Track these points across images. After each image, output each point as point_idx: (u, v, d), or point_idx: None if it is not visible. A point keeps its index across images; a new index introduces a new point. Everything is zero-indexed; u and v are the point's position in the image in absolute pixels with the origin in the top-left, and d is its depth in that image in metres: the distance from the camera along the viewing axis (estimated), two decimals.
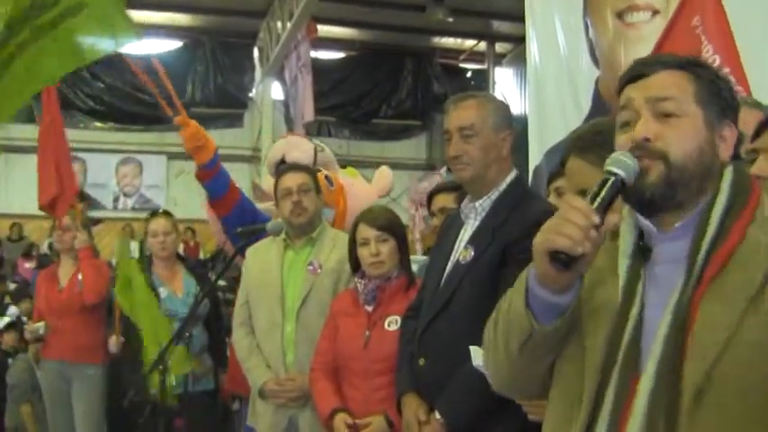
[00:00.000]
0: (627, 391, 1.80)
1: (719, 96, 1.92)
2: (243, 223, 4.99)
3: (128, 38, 4.48)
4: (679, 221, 1.88)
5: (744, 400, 1.69)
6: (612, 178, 1.81)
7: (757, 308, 1.71)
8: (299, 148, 5.70)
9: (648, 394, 1.76)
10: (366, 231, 3.91)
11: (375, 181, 6.43)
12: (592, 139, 2.60)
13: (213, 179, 5.23)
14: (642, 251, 1.92)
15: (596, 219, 1.74)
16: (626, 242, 1.95)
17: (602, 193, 1.80)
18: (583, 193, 2.50)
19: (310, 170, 4.71)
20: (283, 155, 5.65)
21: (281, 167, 4.84)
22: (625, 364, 1.81)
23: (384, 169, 6.56)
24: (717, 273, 1.77)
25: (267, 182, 6.04)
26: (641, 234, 1.94)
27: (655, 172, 1.85)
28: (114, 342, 5.93)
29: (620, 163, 1.83)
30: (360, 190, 5.85)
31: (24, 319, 9.48)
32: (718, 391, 1.70)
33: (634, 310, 1.85)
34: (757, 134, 2.88)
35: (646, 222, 1.92)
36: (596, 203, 1.77)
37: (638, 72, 1.97)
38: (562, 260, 1.77)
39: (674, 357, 1.75)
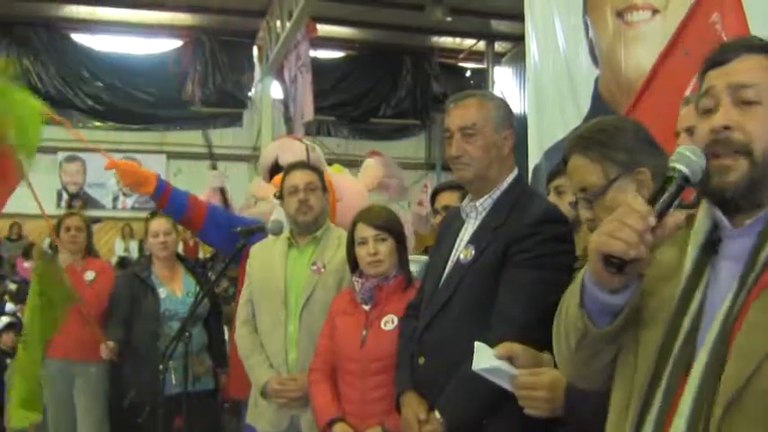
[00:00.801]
0: (676, 391, 1.75)
1: None
2: (221, 234, 5.04)
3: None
4: (751, 218, 1.79)
5: None
6: (676, 176, 1.76)
7: None
8: (292, 151, 5.72)
9: (692, 398, 1.71)
10: (364, 230, 3.91)
11: (362, 174, 6.43)
12: (594, 137, 2.59)
13: (167, 205, 5.34)
14: (712, 245, 1.84)
15: (653, 222, 1.70)
16: (699, 233, 1.87)
17: (664, 193, 1.75)
18: (584, 190, 2.50)
19: (317, 169, 4.71)
20: (276, 158, 5.67)
21: (287, 166, 4.83)
22: (677, 362, 1.77)
23: (370, 162, 6.56)
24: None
25: (260, 185, 6.05)
26: (715, 226, 1.86)
27: (737, 171, 1.76)
28: (104, 349, 5.91)
29: (685, 159, 1.77)
30: (348, 185, 5.86)
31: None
32: (750, 404, 1.62)
33: (693, 306, 1.80)
34: None
35: (720, 215, 1.82)
36: (657, 205, 1.73)
37: (721, 56, 1.86)
38: (615, 264, 1.74)
39: (716, 363, 1.69)
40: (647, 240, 1.69)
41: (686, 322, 1.79)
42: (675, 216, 1.79)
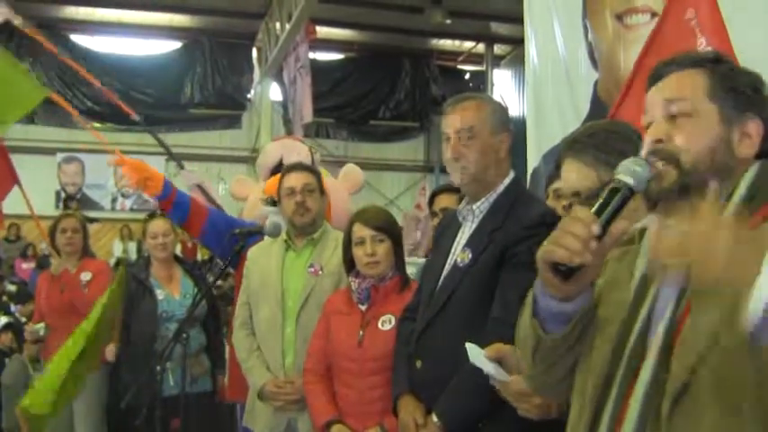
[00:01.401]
0: (626, 392, 1.81)
1: (736, 90, 1.88)
2: (220, 238, 5.04)
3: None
4: None
5: (718, 412, 1.66)
6: (620, 187, 1.82)
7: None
8: (297, 152, 5.71)
9: (641, 398, 1.77)
10: (362, 231, 3.90)
11: (342, 177, 6.43)
12: (587, 141, 2.61)
13: (173, 208, 5.29)
14: None
15: (596, 229, 1.75)
16: (648, 242, 1.94)
17: (609, 202, 1.80)
18: (578, 194, 2.50)
19: (314, 170, 4.71)
20: (281, 158, 5.66)
21: (285, 167, 4.82)
22: (627, 366, 1.83)
23: (350, 167, 6.57)
24: None
25: (257, 186, 6.04)
26: None
27: (668, 178, 1.84)
28: (111, 350, 5.91)
29: (629, 170, 1.83)
30: (330, 186, 5.88)
31: (24, 320, 9.47)
32: (694, 399, 1.69)
33: (642, 313, 1.85)
34: None
35: (666, 222, 1.88)
36: (602, 215, 1.78)
37: (657, 73, 1.98)
38: (562, 271, 1.79)
39: (662, 365, 1.76)
40: (591, 248, 1.75)
41: (636, 328, 1.84)
42: (620, 225, 1.80)
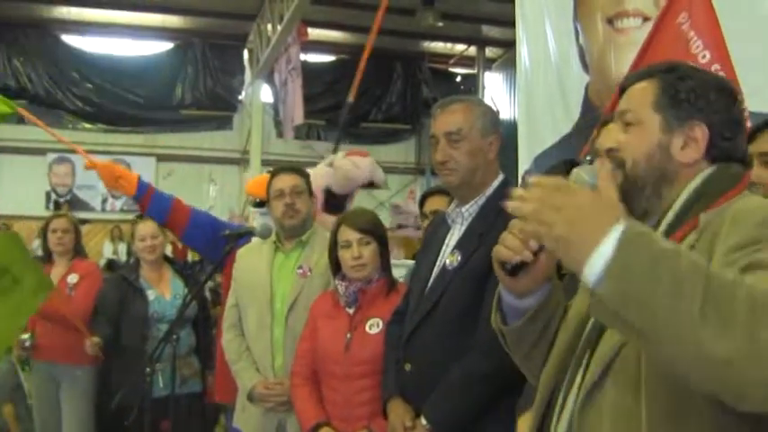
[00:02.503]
0: (574, 382, 1.93)
1: (678, 98, 1.96)
2: (205, 238, 5.03)
3: None
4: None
5: (616, 393, 1.77)
6: None
7: None
8: (378, 171, 5.83)
9: (575, 392, 1.89)
10: (348, 233, 3.89)
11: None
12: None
13: (150, 207, 5.34)
14: None
15: None
16: None
17: None
18: (611, 150, 2.57)
19: (303, 172, 4.70)
20: (371, 177, 5.78)
21: (274, 169, 4.82)
22: (578, 358, 1.93)
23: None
24: None
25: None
26: None
27: (615, 183, 1.90)
28: (88, 345, 5.87)
29: (578, 178, 1.89)
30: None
31: None
32: (603, 398, 1.80)
33: None
34: (751, 138, 2.88)
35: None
36: None
37: (622, 87, 2.11)
38: (507, 268, 1.97)
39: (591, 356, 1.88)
40: (530, 247, 1.89)
41: (588, 327, 1.94)
42: None
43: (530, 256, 1.90)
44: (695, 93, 1.96)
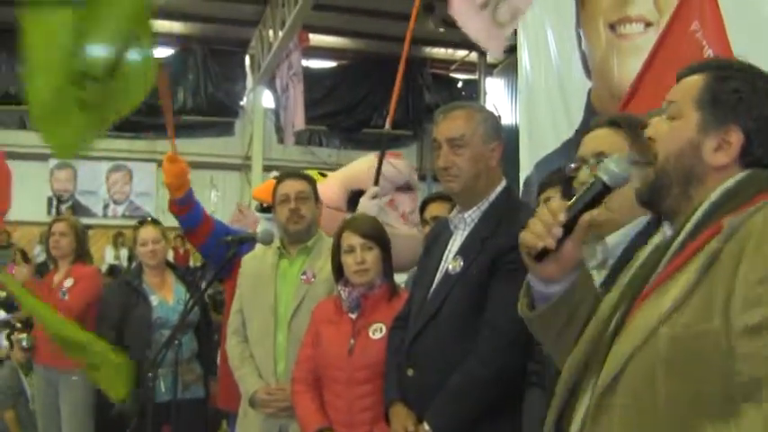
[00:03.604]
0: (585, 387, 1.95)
1: (719, 99, 1.92)
2: (220, 251, 5.04)
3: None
4: (673, 228, 1.95)
5: (636, 420, 1.77)
6: (596, 183, 1.96)
7: (674, 320, 1.75)
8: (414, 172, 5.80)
9: (590, 395, 1.90)
10: (351, 239, 3.89)
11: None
12: (626, 119, 2.75)
13: (188, 213, 5.33)
14: None
15: (563, 217, 1.91)
16: (653, 242, 2.05)
17: (582, 196, 1.96)
18: (600, 154, 2.59)
19: (309, 178, 4.70)
20: (409, 179, 5.71)
21: (279, 174, 4.81)
22: (597, 361, 1.93)
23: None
24: (660, 283, 1.85)
25: (325, 192, 5.97)
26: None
27: (647, 176, 1.97)
28: None
29: (605, 168, 1.95)
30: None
31: (18, 325, 9.44)
32: (614, 404, 1.81)
33: (623, 307, 1.94)
34: None
35: (665, 223, 2.01)
36: (572, 206, 1.94)
37: (678, 77, 2.06)
38: (531, 254, 1.99)
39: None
40: (554, 234, 1.92)
41: (614, 322, 1.95)
42: (588, 215, 1.96)
43: (552, 243, 1.93)
44: (738, 95, 1.92)
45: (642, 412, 1.75)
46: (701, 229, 1.82)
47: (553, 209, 1.93)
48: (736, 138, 1.90)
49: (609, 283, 2.18)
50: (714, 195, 1.87)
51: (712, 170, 1.91)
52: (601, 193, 1.95)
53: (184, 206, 5.27)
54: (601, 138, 2.68)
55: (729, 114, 1.91)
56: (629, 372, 1.78)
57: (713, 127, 1.91)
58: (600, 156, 2.54)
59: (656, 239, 2.04)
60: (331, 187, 5.63)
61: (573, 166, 2.65)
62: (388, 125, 5.89)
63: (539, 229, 1.94)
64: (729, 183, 1.88)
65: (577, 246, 1.98)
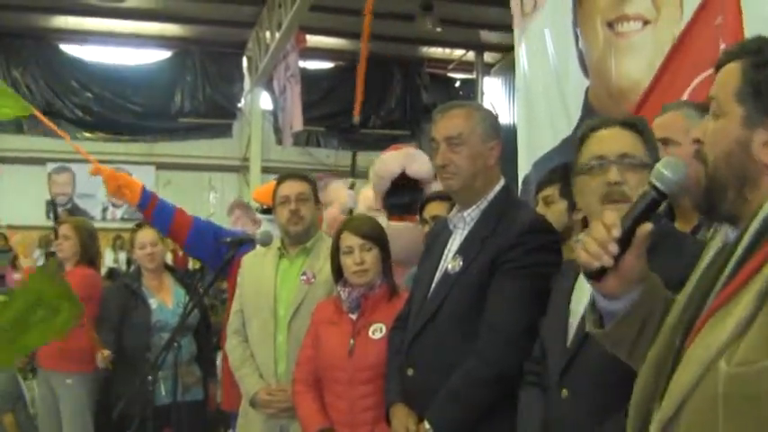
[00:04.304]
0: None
1: (761, 88, 1.73)
2: (207, 247, 5.03)
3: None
4: (734, 234, 1.78)
5: None
6: (650, 191, 1.86)
7: (732, 354, 1.58)
8: (419, 161, 5.57)
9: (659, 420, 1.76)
10: (350, 240, 3.90)
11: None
12: (638, 120, 2.75)
13: (153, 216, 5.40)
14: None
15: (616, 233, 1.80)
16: (713, 247, 1.91)
17: (636, 206, 1.86)
18: (601, 158, 2.57)
19: (309, 179, 4.71)
20: (403, 168, 5.53)
21: (280, 176, 4.80)
22: (665, 380, 1.80)
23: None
24: (721, 305, 1.67)
25: (366, 194, 5.88)
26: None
27: (700, 181, 1.82)
28: (100, 358, 5.85)
29: (658, 174, 1.86)
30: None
31: None
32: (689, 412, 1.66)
33: (683, 327, 1.82)
34: None
35: (725, 227, 1.85)
36: (626, 220, 1.83)
37: (717, 65, 1.88)
38: (588, 273, 1.89)
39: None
40: (610, 251, 1.81)
41: (676, 341, 1.82)
42: (644, 227, 1.83)
43: (610, 261, 1.83)
44: None
45: None
46: (761, 238, 1.64)
47: (607, 224, 1.82)
48: None
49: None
50: None
51: (766, 168, 1.72)
52: (655, 202, 1.85)
53: (146, 209, 5.31)
54: (620, 138, 2.65)
55: None
56: (690, 407, 1.65)
57: (759, 120, 1.72)
58: (624, 157, 2.53)
59: (716, 241, 1.89)
60: (366, 192, 5.77)
61: (595, 164, 2.60)
62: (356, 118, 5.87)
63: (593, 248, 1.83)
64: None
65: (638, 259, 1.86)
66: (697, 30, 4.12)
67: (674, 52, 4.21)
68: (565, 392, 2.60)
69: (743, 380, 1.53)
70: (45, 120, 5.85)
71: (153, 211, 5.34)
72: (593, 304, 2.04)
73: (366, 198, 5.75)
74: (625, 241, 1.82)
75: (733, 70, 1.78)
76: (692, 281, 1.89)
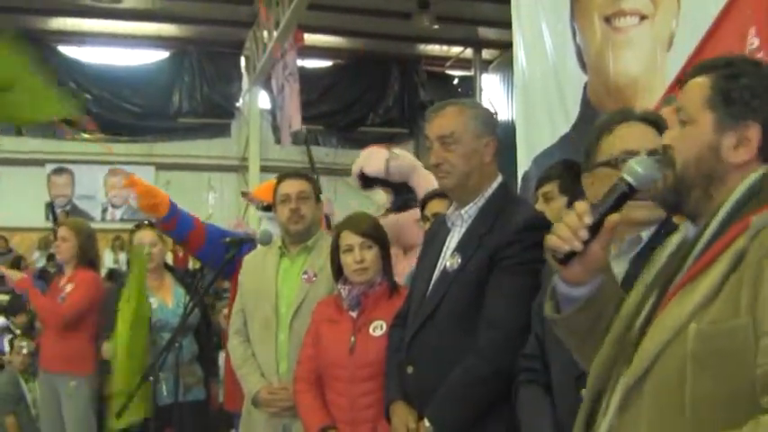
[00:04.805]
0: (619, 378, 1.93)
1: (731, 97, 1.91)
2: (217, 255, 5.04)
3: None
4: (697, 227, 1.95)
5: (664, 417, 1.76)
6: (621, 185, 1.96)
7: (702, 317, 1.73)
8: (372, 158, 5.74)
9: (619, 392, 1.88)
10: (350, 238, 3.90)
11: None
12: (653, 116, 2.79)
13: (176, 228, 5.41)
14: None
15: (588, 220, 1.90)
16: (674, 242, 2.06)
17: (607, 198, 1.95)
18: (632, 153, 2.59)
19: (310, 177, 4.72)
20: (361, 168, 5.69)
21: (280, 174, 4.81)
22: (623, 361, 1.92)
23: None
24: (688, 281, 1.82)
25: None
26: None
27: (666, 181, 1.96)
28: (108, 349, 5.85)
29: (631, 170, 1.96)
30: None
31: (17, 331, 9.45)
32: (642, 401, 1.81)
33: (647, 308, 1.95)
34: None
35: (687, 223, 2.03)
36: (599, 208, 1.93)
37: (682, 80, 2.08)
38: (557, 257, 1.97)
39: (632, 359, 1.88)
40: (581, 236, 1.91)
41: (638, 321, 1.96)
42: (615, 217, 1.94)
43: (579, 246, 1.92)
44: (750, 91, 1.91)
45: (670, 408, 1.74)
46: (726, 227, 1.81)
47: (579, 211, 1.93)
48: (754, 133, 1.90)
49: (627, 282, 2.20)
50: (738, 193, 1.86)
51: (733, 168, 1.90)
52: (626, 195, 1.95)
53: (170, 221, 5.30)
54: (646, 133, 2.69)
55: (744, 110, 1.90)
56: (658, 368, 1.78)
57: (729, 125, 1.91)
58: (653, 153, 2.54)
59: (675, 239, 2.05)
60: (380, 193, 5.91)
61: (628, 158, 2.60)
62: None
63: (564, 233, 1.93)
64: (752, 178, 1.87)
65: (602, 248, 1.97)
66: (729, 16, 4.09)
67: (704, 45, 4.18)
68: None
69: (713, 337, 1.69)
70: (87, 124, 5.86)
71: (175, 225, 5.36)
72: (553, 290, 2.12)
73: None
74: (594, 229, 1.92)
75: (702, 82, 1.97)
76: (649, 275, 2.04)
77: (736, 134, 1.90)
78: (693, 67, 2.06)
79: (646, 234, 2.65)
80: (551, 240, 1.95)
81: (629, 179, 1.95)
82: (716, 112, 1.92)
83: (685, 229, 2.02)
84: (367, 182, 5.88)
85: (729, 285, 1.71)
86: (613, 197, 1.95)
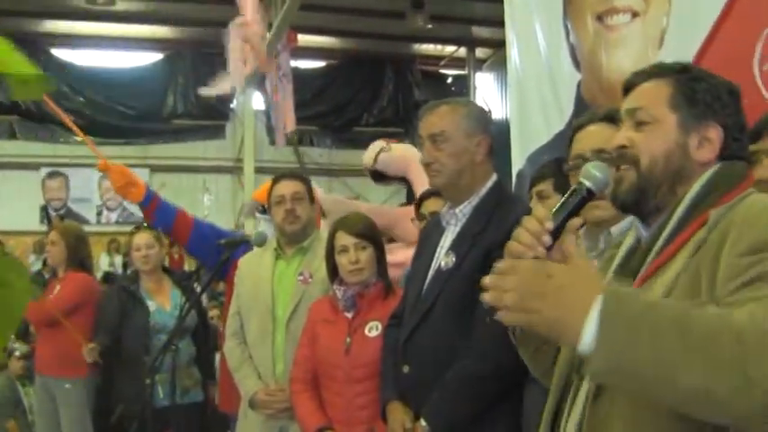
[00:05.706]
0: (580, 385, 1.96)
1: (695, 98, 1.99)
2: (209, 248, 5.04)
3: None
4: (656, 223, 2.00)
5: (633, 409, 1.79)
6: (579, 189, 1.94)
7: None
8: (368, 150, 5.97)
9: (585, 396, 1.91)
10: (345, 239, 3.91)
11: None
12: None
13: (155, 215, 5.41)
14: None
15: (549, 225, 1.87)
16: (626, 243, 2.11)
17: (567, 202, 1.93)
18: (601, 151, 2.60)
19: (304, 179, 4.72)
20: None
21: (275, 176, 4.83)
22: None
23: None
24: (650, 275, 1.89)
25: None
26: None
27: (627, 180, 2.01)
28: (87, 352, 5.86)
29: (589, 174, 1.95)
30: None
31: (12, 336, 9.43)
32: (612, 401, 1.84)
33: None
34: (758, 136, 2.89)
35: (637, 223, 2.07)
36: (558, 213, 1.91)
37: (627, 85, 2.12)
38: None
39: None
40: (543, 242, 1.87)
41: None
42: (574, 222, 1.92)
43: (543, 252, 1.89)
44: (711, 94, 2.00)
45: (639, 411, 1.77)
46: (686, 221, 1.90)
47: (539, 217, 1.91)
48: (715, 133, 1.98)
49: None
50: (694, 189, 1.94)
51: (698, 166, 1.98)
52: (585, 199, 1.95)
53: (148, 208, 5.31)
54: (598, 133, 2.72)
55: (707, 112, 1.99)
56: None
57: (693, 125, 1.98)
58: (600, 152, 2.56)
59: (627, 241, 2.10)
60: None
61: (571, 164, 2.66)
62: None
63: (526, 239, 1.90)
64: (708, 174, 1.95)
65: (565, 256, 1.93)
66: (731, 23, 4.08)
67: (710, 41, 4.16)
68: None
69: None
70: (74, 126, 5.87)
71: (155, 211, 5.36)
72: None
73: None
74: (555, 234, 1.90)
75: (659, 85, 2.04)
76: (607, 275, 2.06)
77: (698, 135, 1.99)
78: (639, 72, 2.11)
79: (615, 229, 2.67)
80: (513, 247, 1.93)
81: (588, 183, 1.95)
82: (679, 113, 1.99)
83: (636, 230, 2.08)
84: (376, 176, 6.08)
85: (689, 273, 1.80)
86: (573, 201, 1.94)
